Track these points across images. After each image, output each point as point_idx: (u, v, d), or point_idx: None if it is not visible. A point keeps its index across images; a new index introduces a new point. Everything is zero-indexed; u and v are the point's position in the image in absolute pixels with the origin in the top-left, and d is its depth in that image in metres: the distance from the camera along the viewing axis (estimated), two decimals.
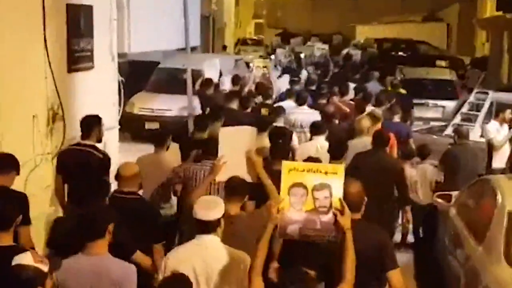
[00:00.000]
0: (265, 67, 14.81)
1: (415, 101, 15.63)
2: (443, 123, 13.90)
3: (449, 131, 12.37)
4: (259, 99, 12.05)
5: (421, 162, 9.26)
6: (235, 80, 13.94)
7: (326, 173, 4.07)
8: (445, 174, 9.34)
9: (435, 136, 12.34)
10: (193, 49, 16.86)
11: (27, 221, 5.23)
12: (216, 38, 31.98)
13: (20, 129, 6.96)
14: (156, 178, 6.75)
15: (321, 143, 8.31)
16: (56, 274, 3.89)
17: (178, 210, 7.04)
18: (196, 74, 13.95)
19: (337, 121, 9.94)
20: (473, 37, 36.70)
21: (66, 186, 6.78)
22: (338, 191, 4.06)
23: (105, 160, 6.61)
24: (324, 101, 11.57)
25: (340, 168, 4.14)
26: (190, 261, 4.26)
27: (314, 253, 4.42)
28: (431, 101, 16.14)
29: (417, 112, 15.61)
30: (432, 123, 14.60)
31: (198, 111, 12.41)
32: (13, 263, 3.63)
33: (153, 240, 5.50)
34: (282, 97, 12.94)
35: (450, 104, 15.89)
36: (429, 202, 8.60)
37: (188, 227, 5.49)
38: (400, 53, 30.42)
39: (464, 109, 13.52)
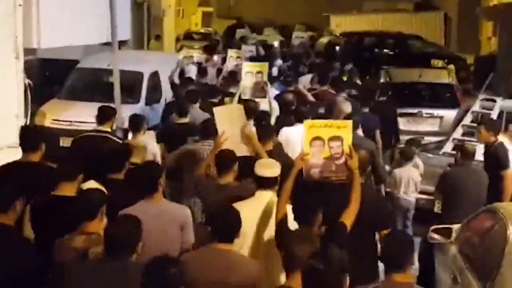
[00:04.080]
0: (259, 72, 13.83)
1: (404, 110, 15.81)
2: (441, 138, 14.05)
3: (448, 148, 12.51)
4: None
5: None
6: (201, 72, 17.08)
7: (338, 127, 6.32)
8: (444, 203, 9.46)
9: (430, 155, 12.45)
10: (122, 43, 16.78)
11: None
12: (152, 29, 31.95)
13: None
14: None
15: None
16: None
17: None
18: (127, 77, 13.89)
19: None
20: (477, 30, 37.39)
21: None
22: (348, 141, 6.27)
23: (124, 145, 8.49)
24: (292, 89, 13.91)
25: (349, 123, 6.47)
26: (250, 215, 6.16)
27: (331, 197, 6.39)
28: (425, 110, 16.31)
29: (407, 125, 15.77)
30: (427, 138, 14.74)
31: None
32: (82, 188, 6.20)
33: None
34: None
35: (449, 114, 16.03)
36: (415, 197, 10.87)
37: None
38: (385, 50, 30.80)
39: (467, 120, 13.59)
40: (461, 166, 9.51)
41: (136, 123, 9.82)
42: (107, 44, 13.88)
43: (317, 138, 6.25)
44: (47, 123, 14.56)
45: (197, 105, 11.84)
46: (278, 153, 8.25)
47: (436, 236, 8.13)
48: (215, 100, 12.86)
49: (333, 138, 6.25)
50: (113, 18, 11.98)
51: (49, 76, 16.58)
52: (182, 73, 16.85)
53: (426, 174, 11.26)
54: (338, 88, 13.96)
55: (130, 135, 9.92)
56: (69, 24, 13.05)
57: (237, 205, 6.14)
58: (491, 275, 6.34)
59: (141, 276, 4.67)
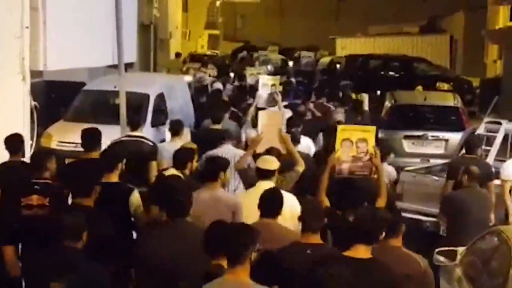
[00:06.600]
0: (273, 85, 14.72)
1: (410, 133, 15.82)
2: (446, 161, 14.02)
3: None
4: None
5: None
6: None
7: (364, 131, 7.72)
8: (448, 225, 9.45)
9: (436, 178, 12.44)
10: (129, 66, 16.83)
11: None
12: (159, 52, 32.09)
13: None
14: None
15: None
16: None
17: None
18: (133, 98, 13.93)
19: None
20: (483, 53, 37.45)
21: None
22: (372, 142, 7.63)
23: (155, 147, 10.45)
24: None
25: (373, 128, 7.86)
26: (254, 201, 6.93)
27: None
28: (430, 133, 16.29)
29: (412, 147, 15.76)
30: (433, 161, 14.75)
31: None
32: (166, 174, 8.14)
33: None
34: None
35: (455, 137, 16.04)
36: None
37: None
38: (391, 73, 30.84)
39: None
40: (466, 188, 9.51)
41: (176, 128, 11.28)
42: (113, 66, 13.89)
43: (346, 139, 7.62)
44: (53, 145, 14.55)
45: (227, 114, 13.65)
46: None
47: (441, 258, 8.13)
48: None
49: (360, 140, 7.61)
50: (120, 41, 12.03)
51: (55, 98, 16.64)
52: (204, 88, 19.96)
53: (431, 197, 11.25)
54: (333, 101, 16.23)
55: (168, 138, 11.25)
56: (75, 47, 13.05)
57: (241, 195, 7.50)
58: None
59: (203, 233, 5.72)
